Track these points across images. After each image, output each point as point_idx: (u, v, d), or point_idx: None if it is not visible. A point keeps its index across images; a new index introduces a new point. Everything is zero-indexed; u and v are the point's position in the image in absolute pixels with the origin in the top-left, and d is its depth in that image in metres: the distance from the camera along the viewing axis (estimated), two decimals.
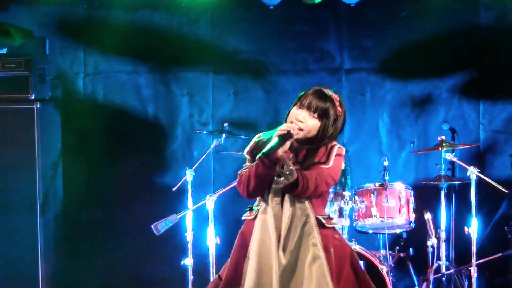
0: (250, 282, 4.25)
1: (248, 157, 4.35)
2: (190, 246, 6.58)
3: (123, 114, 7.79)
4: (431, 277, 6.65)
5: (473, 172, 6.36)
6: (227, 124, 6.86)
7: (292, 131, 4.13)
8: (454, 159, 6.66)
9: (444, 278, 6.77)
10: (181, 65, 7.74)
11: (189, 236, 6.58)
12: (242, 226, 4.44)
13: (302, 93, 4.33)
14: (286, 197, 4.29)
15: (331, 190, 6.47)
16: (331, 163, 4.32)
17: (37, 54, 7.15)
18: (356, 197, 6.62)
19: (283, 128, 4.15)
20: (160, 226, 6.35)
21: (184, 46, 7.66)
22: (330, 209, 6.42)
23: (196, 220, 6.59)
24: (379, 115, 7.60)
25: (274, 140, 4.11)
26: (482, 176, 6.41)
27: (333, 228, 4.41)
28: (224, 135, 6.77)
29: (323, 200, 4.43)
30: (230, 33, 7.63)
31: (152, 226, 6.35)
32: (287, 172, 4.05)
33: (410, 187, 6.71)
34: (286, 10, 7.34)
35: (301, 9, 7.32)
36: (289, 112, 4.31)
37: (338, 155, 4.36)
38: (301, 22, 7.58)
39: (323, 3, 7.17)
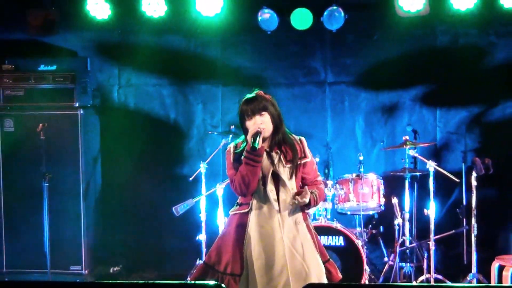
0: (259, 263, 4.26)
1: (230, 173, 4.36)
2: (203, 224, 6.64)
3: (150, 119, 7.80)
4: (398, 249, 6.66)
5: (431, 165, 6.39)
6: (233, 126, 6.89)
7: (259, 129, 4.22)
8: (416, 155, 6.67)
9: (407, 250, 6.78)
10: (196, 79, 7.74)
11: (202, 216, 6.63)
12: (236, 220, 4.37)
13: (240, 110, 4.33)
14: (281, 189, 4.34)
15: None
16: (309, 156, 4.43)
17: (80, 70, 7.16)
18: (337, 185, 6.65)
19: (252, 131, 4.23)
20: (180, 208, 6.39)
21: (199, 64, 7.66)
22: None
23: (208, 204, 6.65)
24: (356, 119, 7.59)
25: (250, 140, 4.22)
26: (438, 168, 6.45)
27: (309, 212, 4.50)
28: (231, 136, 6.79)
29: None
30: (236, 54, 7.63)
31: (173, 208, 6.38)
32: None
33: (381, 177, 6.75)
34: (280, 35, 7.33)
35: (293, 34, 7.32)
36: (243, 128, 4.33)
37: (307, 146, 4.48)
38: (293, 44, 7.58)
39: (310, 29, 7.16)
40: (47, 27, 7.17)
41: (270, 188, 4.32)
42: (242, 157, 4.24)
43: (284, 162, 4.33)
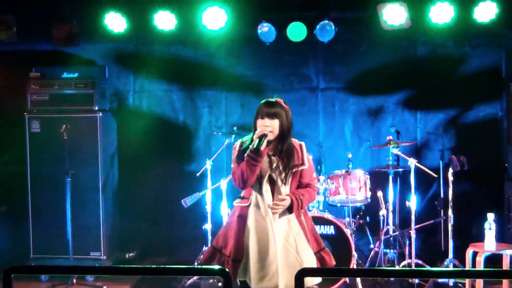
0: (254, 251, 4.28)
1: (233, 166, 4.34)
2: (209, 215, 6.62)
3: (161, 121, 7.80)
4: (382, 237, 6.66)
5: (412, 162, 6.40)
6: (236, 127, 6.90)
7: (265, 132, 4.20)
8: (399, 153, 6.67)
9: (391, 238, 6.79)
10: (203, 85, 7.73)
11: (208, 208, 6.62)
12: (238, 211, 4.38)
13: (257, 109, 4.30)
14: (275, 192, 4.33)
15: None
16: (306, 164, 4.37)
17: (99, 77, 7.17)
18: (328, 180, 6.65)
19: (259, 132, 4.21)
20: (188, 201, 6.39)
21: (205, 72, 7.65)
22: None
23: (213, 197, 6.63)
24: (345, 121, 7.59)
25: (256, 141, 4.18)
26: (419, 165, 6.45)
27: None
28: (233, 136, 6.80)
29: None
30: (238, 63, 7.63)
31: (182, 200, 6.39)
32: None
33: (367, 173, 6.73)
34: (278, 45, 7.32)
35: (289, 45, 7.31)
36: (255, 124, 4.29)
37: (306, 152, 4.41)
38: (289, 54, 7.57)
39: (304, 41, 7.15)
40: (70, 39, 7.17)
41: (266, 189, 4.30)
42: (245, 155, 4.22)
43: (281, 169, 4.30)
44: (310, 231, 4.44)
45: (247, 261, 4.28)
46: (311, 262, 4.33)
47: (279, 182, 4.30)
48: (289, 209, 4.31)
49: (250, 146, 4.21)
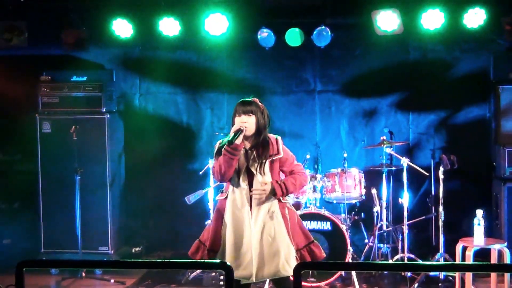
0: (230, 242, 4.32)
1: (214, 159, 4.40)
2: (211, 211, 6.61)
3: (166, 122, 7.79)
4: (376, 232, 6.66)
5: (404, 161, 6.40)
6: None
7: (241, 128, 4.29)
8: (392, 152, 6.67)
9: (385, 234, 6.80)
10: (205, 88, 7.72)
11: (210, 204, 6.61)
12: (217, 204, 4.45)
13: (235, 107, 4.41)
14: (254, 183, 4.35)
15: (309, 173, 6.51)
16: (281, 153, 4.41)
17: (107, 80, 7.18)
18: (325, 178, 6.64)
19: (235, 127, 4.31)
20: (191, 198, 6.39)
21: (207, 75, 7.65)
22: (307, 186, 6.44)
23: (215, 194, 6.57)
24: (341, 122, 7.58)
25: (231, 134, 4.29)
26: (411, 164, 6.45)
27: (287, 202, 4.48)
28: None
29: None
30: (239, 67, 7.61)
31: (185, 197, 6.39)
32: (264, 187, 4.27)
33: (362, 171, 6.73)
34: (277, 50, 7.31)
35: (288, 50, 7.29)
36: (233, 122, 4.38)
37: (282, 144, 4.46)
38: (287, 59, 7.56)
39: (302, 46, 7.14)
40: (79, 44, 7.17)
41: (243, 181, 4.35)
42: (222, 149, 4.28)
43: (256, 159, 4.35)
44: (295, 225, 4.44)
45: (223, 251, 4.32)
46: (288, 251, 4.33)
47: (255, 172, 4.34)
48: (274, 194, 4.34)
49: (227, 140, 4.28)
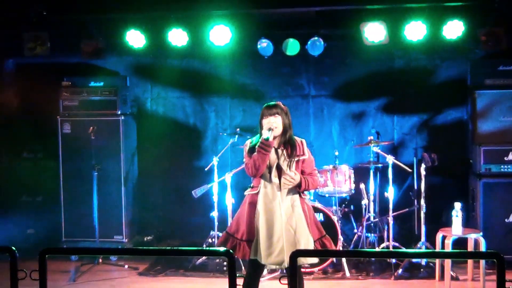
0: (263, 232, 4.31)
1: (246, 159, 4.40)
2: (215, 204, 6.61)
3: (175, 123, 7.78)
4: (364, 223, 6.66)
5: (390, 159, 6.39)
6: (239, 129, 6.86)
7: (271, 127, 4.31)
8: (378, 151, 6.66)
9: (372, 224, 6.79)
10: (210, 93, 7.71)
11: (215, 198, 6.60)
12: (248, 198, 4.43)
13: (261, 111, 4.44)
14: (283, 175, 4.36)
15: None
16: (307, 154, 4.47)
17: (121, 86, 7.18)
18: (318, 174, 6.63)
19: (267, 126, 4.33)
20: (198, 192, 6.39)
21: (212, 81, 7.63)
22: None
23: (219, 188, 6.62)
24: (332, 123, 7.57)
25: (265, 133, 4.30)
26: (396, 161, 6.44)
27: (306, 197, 4.51)
28: (237, 136, 6.78)
29: None
30: (241, 73, 7.61)
31: (192, 191, 6.39)
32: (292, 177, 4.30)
33: (352, 168, 6.70)
34: (275, 59, 7.28)
35: (285, 58, 7.28)
36: (261, 124, 4.40)
37: (306, 146, 4.50)
38: (284, 66, 7.55)
39: (298, 55, 7.12)
40: (96, 53, 7.16)
41: (274, 175, 4.37)
42: (256, 147, 4.29)
43: (286, 157, 4.38)
44: (311, 219, 4.47)
45: (257, 240, 4.32)
46: (307, 242, 4.35)
47: (285, 167, 4.36)
48: (299, 186, 4.37)
49: (260, 139, 4.30)
